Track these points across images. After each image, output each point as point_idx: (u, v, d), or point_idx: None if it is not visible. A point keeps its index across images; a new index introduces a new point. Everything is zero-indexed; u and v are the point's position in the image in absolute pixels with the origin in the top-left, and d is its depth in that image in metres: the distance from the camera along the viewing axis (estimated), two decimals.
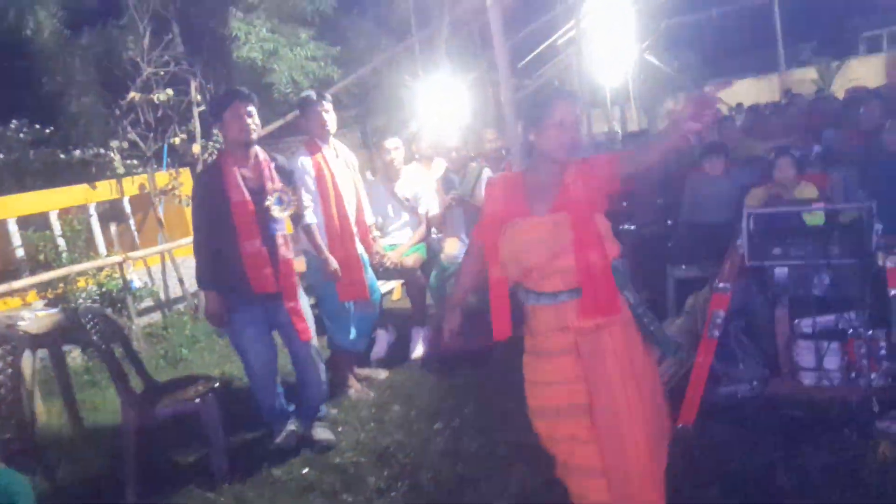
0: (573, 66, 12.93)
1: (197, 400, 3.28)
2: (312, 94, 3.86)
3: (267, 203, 3.23)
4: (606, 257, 2.17)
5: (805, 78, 15.85)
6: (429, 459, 3.23)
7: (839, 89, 13.49)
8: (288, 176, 3.41)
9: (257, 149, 3.31)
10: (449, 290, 4.61)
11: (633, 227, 5.59)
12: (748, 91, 15.57)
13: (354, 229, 3.94)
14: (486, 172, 4.78)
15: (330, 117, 3.81)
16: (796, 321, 3.21)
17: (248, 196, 3.18)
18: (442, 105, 6.67)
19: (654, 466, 2.20)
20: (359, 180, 4.06)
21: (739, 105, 12.51)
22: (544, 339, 2.26)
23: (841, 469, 2.72)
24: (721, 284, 3.06)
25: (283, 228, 3.33)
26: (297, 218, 3.51)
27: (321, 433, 3.53)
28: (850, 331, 3.08)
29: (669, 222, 5.52)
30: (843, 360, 3.09)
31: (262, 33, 7.65)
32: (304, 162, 3.79)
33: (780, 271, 3.21)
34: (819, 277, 3.14)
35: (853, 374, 3.08)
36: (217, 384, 3.46)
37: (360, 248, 3.98)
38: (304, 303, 3.47)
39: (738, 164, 5.51)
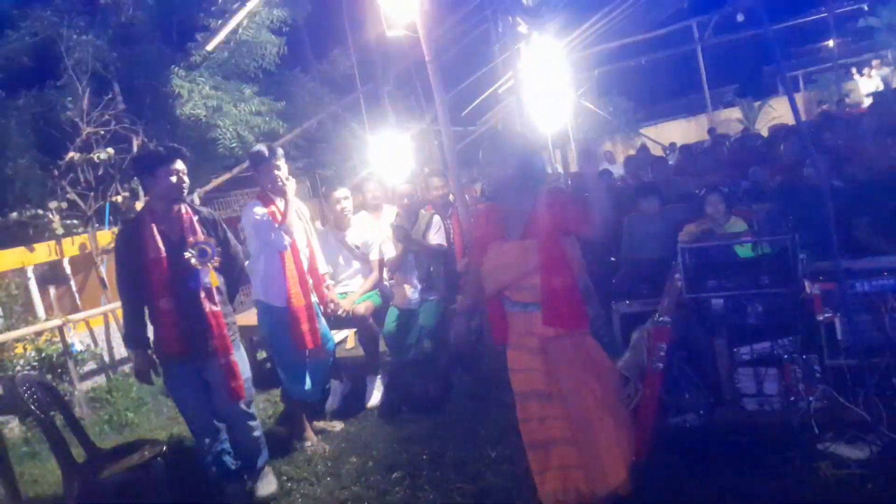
0: (515, 112, 13.38)
1: (143, 466, 3.17)
2: (264, 149, 3.85)
3: (186, 255, 3.18)
4: (568, 278, 2.62)
5: (731, 117, 16.78)
6: None
7: (763, 127, 14.33)
8: (212, 226, 3.37)
9: (180, 204, 3.30)
10: (409, 337, 4.62)
11: None
12: (679, 131, 16.38)
13: (309, 280, 3.94)
14: (437, 219, 4.88)
15: (282, 173, 3.83)
16: (735, 349, 3.34)
17: (163, 252, 3.16)
18: (388, 155, 6.79)
19: (620, 445, 2.63)
20: (311, 230, 4.08)
21: (672, 144, 13.14)
22: (517, 338, 2.73)
23: (787, 492, 2.82)
24: (661, 318, 3.18)
25: (208, 283, 3.26)
26: (226, 269, 3.40)
27: (262, 488, 3.50)
28: (786, 356, 3.23)
29: (612, 259, 5.70)
30: (782, 385, 3.23)
31: (206, 90, 7.65)
32: (258, 210, 3.78)
33: (717, 302, 3.36)
34: (752, 306, 3.29)
35: (792, 398, 3.21)
36: (164, 448, 3.35)
37: (314, 298, 3.97)
38: (241, 358, 3.39)
39: (672, 201, 5.77)
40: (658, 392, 3.09)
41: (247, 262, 3.85)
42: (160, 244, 3.15)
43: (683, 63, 16.90)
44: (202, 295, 3.21)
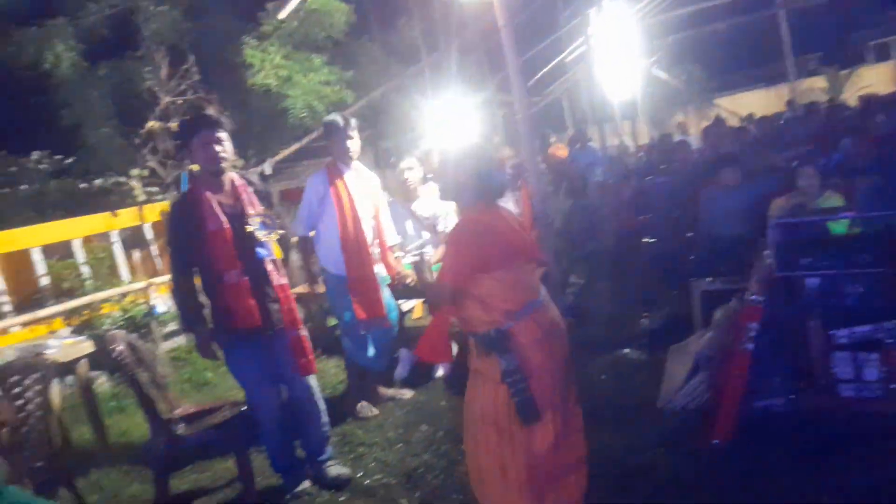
0: (581, 82, 13.01)
1: (224, 426, 3.27)
2: (339, 119, 3.84)
3: (250, 228, 3.03)
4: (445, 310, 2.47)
5: (814, 87, 15.84)
6: (458, 481, 3.18)
7: (850, 98, 13.47)
8: (267, 199, 3.25)
9: (233, 175, 3.13)
10: None
11: (653, 241, 5.56)
12: (756, 102, 15.59)
13: (376, 250, 3.95)
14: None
15: (354, 143, 3.82)
16: (831, 332, 3.15)
17: (226, 223, 2.98)
18: (452, 125, 6.71)
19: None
20: (381, 201, 4.07)
21: (750, 115, 12.52)
22: None
23: (886, 486, 2.65)
24: (753, 297, 3.02)
25: (272, 254, 3.11)
26: (285, 243, 3.28)
27: (334, 470, 3.35)
28: (889, 341, 3.02)
29: (689, 234, 5.48)
30: (883, 371, 3.03)
31: (277, 60, 7.75)
32: (318, 180, 3.82)
33: (812, 282, 3.16)
34: (852, 287, 3.09)
35: (893, 386, 3.01)
36: (245, 408, 3.44)
37: (379, 268, 3.98)
38: (307, 332, 3.24)
39: (754, 174, 5.47)
40: (746, 373, 2.96)
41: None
42: (221, 216, 2.98)
43: (764, 29, 15.94)
44: (269, 267, 3.09)
